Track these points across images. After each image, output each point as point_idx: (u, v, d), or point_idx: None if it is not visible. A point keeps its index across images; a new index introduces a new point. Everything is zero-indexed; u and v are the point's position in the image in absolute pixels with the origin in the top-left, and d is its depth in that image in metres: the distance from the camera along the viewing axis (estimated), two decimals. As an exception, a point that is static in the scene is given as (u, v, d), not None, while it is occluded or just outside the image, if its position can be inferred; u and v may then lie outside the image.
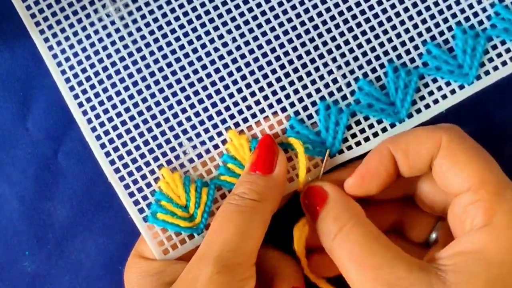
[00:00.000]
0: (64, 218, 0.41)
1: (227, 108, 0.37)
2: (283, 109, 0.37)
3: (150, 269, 0.36)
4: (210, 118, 0.37)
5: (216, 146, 0.37)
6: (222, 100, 0.37)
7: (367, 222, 0.34)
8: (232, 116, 0.37)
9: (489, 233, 0.31)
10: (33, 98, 0.40)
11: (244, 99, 0.37)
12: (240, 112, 0.37)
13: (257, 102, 0.37)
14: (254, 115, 0.37)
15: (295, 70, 0.37)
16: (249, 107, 0.37)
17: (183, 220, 0.36)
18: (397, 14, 0.37)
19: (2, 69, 0.40)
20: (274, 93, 0.37)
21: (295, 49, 0.37)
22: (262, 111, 0.37)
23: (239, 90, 0.37)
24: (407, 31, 0.37)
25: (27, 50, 0.40)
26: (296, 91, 0.37)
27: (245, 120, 0.37)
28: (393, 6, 0.37)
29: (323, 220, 0.34)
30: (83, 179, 0.41)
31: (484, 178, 0.32)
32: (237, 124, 0.37)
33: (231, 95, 0.37)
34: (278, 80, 0.37)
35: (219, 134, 0.37)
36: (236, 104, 0.37)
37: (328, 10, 0.37)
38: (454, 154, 0.33)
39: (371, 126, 0.37)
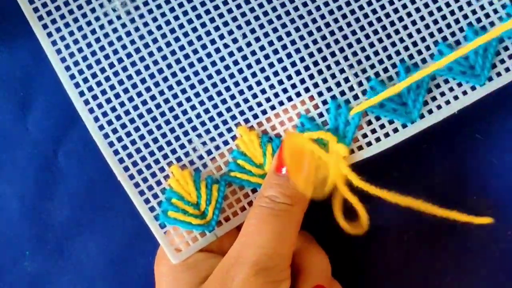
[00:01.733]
0: (64, 218, 0.41)
1: (237, 105, 0.37)
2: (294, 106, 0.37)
3: (184, 263, 0.36)
4: (220, 114, 0.37)
5: (226, 142, 0.37)
6: (232, 97, 0.37)
7: None
8: (242, 113, 0.37)
9: None
10: (33, 98, 0.40)
11: (255, 96, 0.37)
12: (250, 108, 0.37)
13: (268, 99, 0.37)
14: (264, 112, 0.37)
15: (307, 68, 0.37)
16: (259, 104, 0.37)
17: (194, 218, 0.36)
18: (409, 14, 0.37)
19: (2, 69, 0.40)
20: (285, 90, 0.37)
21: (306, 46, 0.37)
22: (272, 107, 0.37)
23: (250, 87, 0.37)
24: (418, 31, 0.37)
25: (27, 50, 0.40)
26: (306, 89, 0.37)
27: (255, 116, 0.37)
28: (404, 6, 0.37)
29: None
30: (83, 179, 0.40)
31: None
32: (247, 120, 0.37)
33: (241, 92, 0.37)
34: (289, 78, 0.37)
35: (229, 130, 0.37)
36: (246, 100, 0.37)
37: (339, 8, 0.37)
38: None
39: (382, 126, 0.37)
